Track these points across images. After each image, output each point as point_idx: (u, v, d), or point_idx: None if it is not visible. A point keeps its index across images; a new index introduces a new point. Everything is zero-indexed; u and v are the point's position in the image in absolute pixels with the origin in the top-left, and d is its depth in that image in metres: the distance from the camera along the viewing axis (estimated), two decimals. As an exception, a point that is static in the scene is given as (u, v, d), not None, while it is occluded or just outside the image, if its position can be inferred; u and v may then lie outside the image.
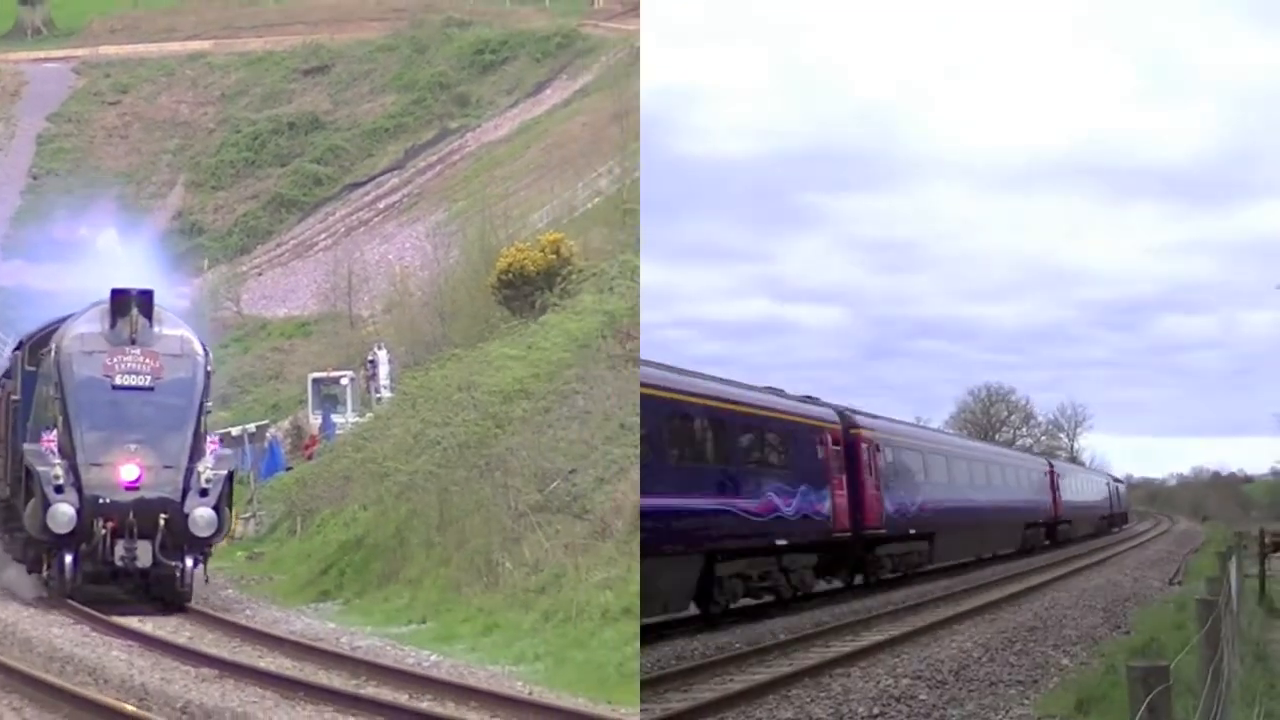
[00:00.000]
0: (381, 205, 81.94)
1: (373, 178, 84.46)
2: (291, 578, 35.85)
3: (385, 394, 51.70)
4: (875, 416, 43.10)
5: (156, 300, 31.74)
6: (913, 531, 41.37)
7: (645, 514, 26.32)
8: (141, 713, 18.79)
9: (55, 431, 30.04)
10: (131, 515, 29.21)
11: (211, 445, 31.47)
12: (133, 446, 29.87)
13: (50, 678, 20.75)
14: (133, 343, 30.70)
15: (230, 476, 31.00)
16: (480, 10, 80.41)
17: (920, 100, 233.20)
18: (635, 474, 29.03)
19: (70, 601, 28.81)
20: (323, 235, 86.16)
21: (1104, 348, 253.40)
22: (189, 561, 29.52)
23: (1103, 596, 37.59)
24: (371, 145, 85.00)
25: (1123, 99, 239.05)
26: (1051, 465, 75.76)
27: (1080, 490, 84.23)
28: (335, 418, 53.89)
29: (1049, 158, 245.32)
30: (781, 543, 33.12)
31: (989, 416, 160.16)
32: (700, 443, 30.81)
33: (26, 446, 30.65)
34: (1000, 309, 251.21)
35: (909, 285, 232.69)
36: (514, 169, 68.42)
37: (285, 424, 59.09)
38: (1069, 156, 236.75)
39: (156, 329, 31.25)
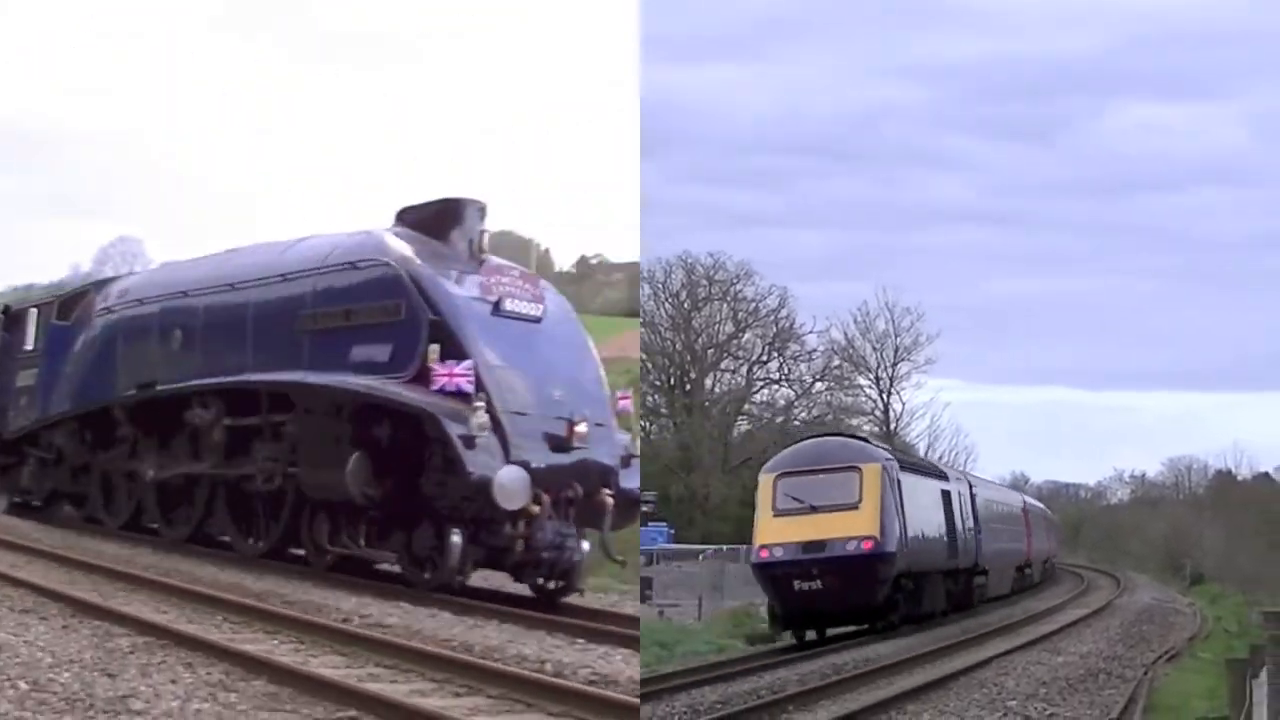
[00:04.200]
0: None
1: None
2: None
3: None
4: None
5: None
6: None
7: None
8: None
9: (465, 364, 19.86)
10: (577, 486, 20.33)
11: (622, 401, 22.44)
12: (557, 394, 20.77)
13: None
14: (481, 263, 21.50)
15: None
16: None
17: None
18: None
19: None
20: None
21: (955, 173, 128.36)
22: (585, 545, 20.89)
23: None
24: None
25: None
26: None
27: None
28: None
29: None
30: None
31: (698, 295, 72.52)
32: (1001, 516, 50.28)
33: (407, 394, 19.95)
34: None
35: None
36: None
37: None
38: None
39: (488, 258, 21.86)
